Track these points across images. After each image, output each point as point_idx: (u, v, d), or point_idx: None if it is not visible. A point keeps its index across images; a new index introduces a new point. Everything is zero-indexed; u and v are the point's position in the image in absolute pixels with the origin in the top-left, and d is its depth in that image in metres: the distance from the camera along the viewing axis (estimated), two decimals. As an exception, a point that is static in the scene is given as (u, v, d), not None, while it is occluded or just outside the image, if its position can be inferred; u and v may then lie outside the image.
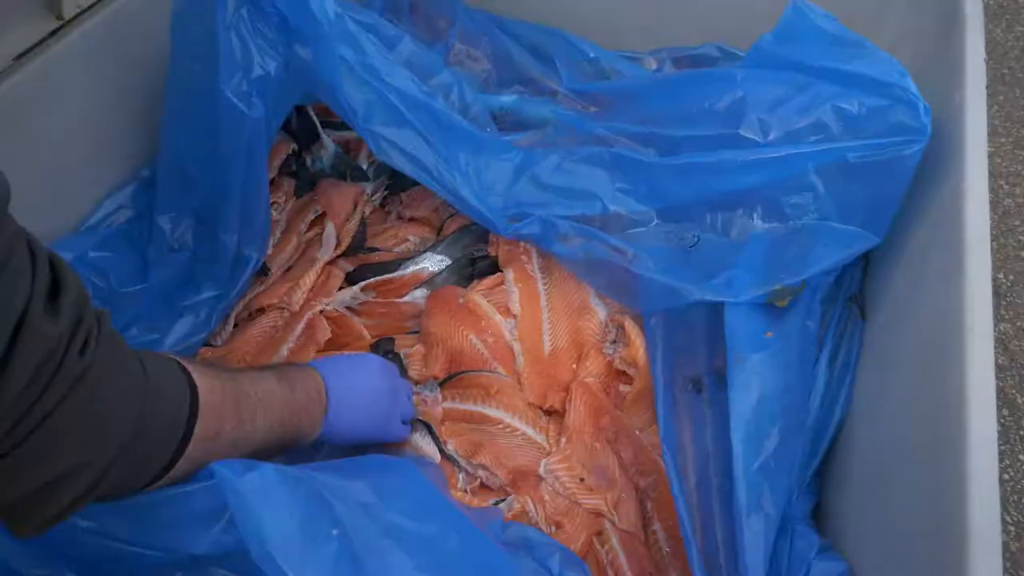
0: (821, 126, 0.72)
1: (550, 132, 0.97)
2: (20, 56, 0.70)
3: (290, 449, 0.59)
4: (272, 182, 0.96)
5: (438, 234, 0.91)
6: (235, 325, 0.85)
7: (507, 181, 0.86)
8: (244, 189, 0.76)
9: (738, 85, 0.78)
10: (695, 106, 0.81)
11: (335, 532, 0.40)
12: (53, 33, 0.73)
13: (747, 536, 0.57)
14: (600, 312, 0.82)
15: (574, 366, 0.78)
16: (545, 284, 0.84)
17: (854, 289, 0.78)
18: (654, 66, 1.09)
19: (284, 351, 0.80)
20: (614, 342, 0.79)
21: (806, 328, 0.71)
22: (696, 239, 0.81)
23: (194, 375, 0.47)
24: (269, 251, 0.90)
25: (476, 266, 0.87)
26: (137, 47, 0.78)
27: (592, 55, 1.09)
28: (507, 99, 1.06)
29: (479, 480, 0.70)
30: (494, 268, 0.87)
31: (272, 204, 0.94)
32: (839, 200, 0.72)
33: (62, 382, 0.36)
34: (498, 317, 0.80)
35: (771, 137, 0.74)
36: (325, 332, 0.81)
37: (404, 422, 0.70)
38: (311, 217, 0.92)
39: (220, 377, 0.50)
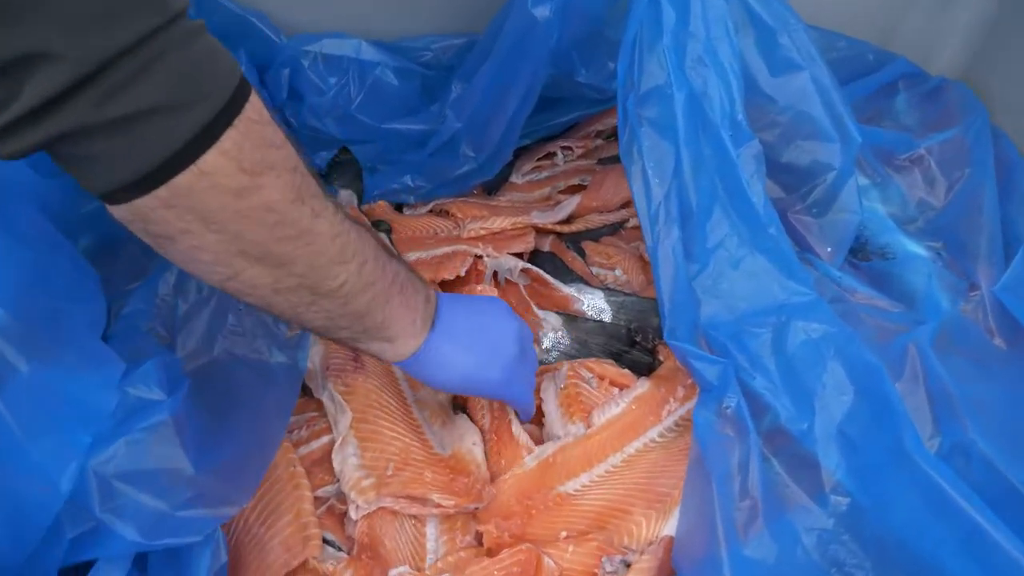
0: None
1: (891, 315, 0.64)
2: None
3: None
4: (588, 135, 0.85)
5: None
6: (429, 211, 0.80)
7: (753, 299, 0.59)
8: (486, 94, 0.68)
9: None
10: None
11: None
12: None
13: None
14: (667, 525, 0.54)
15: (564, 535, 0.54)
16: (665, 437, 0.59)
17: None
18: None
19: (416, 256, 0.72)
20: (625, 565, 0.51)
21: None
22: None
23: None
24: (519, 180, 0.82)
25: (632, 351, 0.65)
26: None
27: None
28: (914, 247, 0.73)
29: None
30: (648, 367, 0.64)
31: (566, 148, 0.84)
32: None
33: None
34: (555, 411, 0.58)
35: None
36: (453, 270, 0.70)
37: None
38: (575, 182, 0.79)
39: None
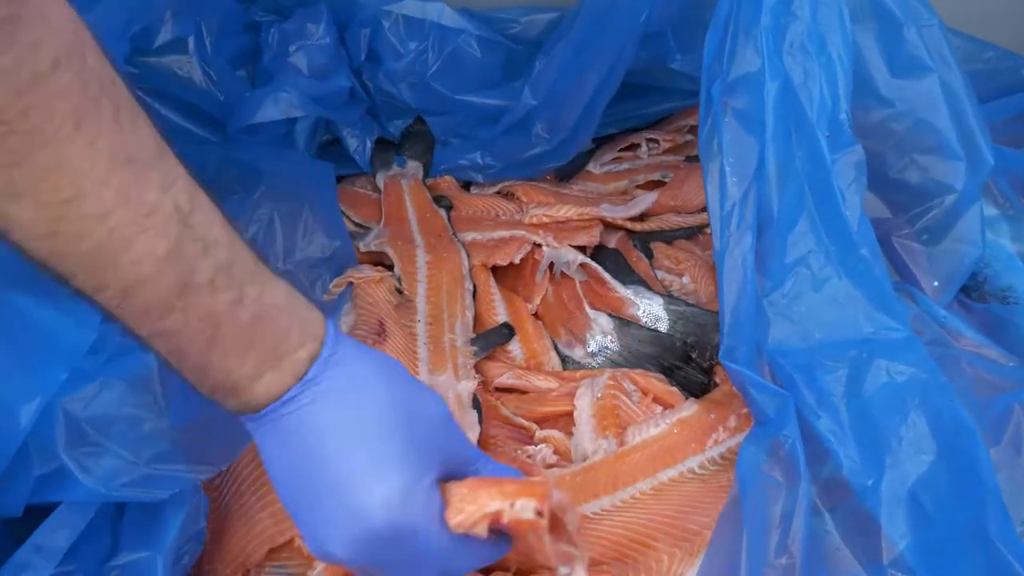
0: None
1: (1002, 368, 0.54)
2: None
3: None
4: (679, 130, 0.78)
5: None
6: (497, 192, 0.76)
7: (832, 328, 0.51)
8: (564, 72, 0.63)
9: None
10: None
11: None
12: None
13: None
14: (691, 569, 0.47)
15: None
16: (706, 469, 0.52)
17: None
18: None
19: (472, 237, 0.68)
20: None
21: None
22: None
23: None
24: (596, 170, 0.76)
25: (686, 367, 0.58)
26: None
27: None
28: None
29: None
30: (701, 388, 0.57)
31: (652, 141, 0.77)
32: None
33: None
34: (587, 422, 0.53)
35: None
36: (508, 256, 0.65)
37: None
38: (656, 177, 0.73)
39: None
